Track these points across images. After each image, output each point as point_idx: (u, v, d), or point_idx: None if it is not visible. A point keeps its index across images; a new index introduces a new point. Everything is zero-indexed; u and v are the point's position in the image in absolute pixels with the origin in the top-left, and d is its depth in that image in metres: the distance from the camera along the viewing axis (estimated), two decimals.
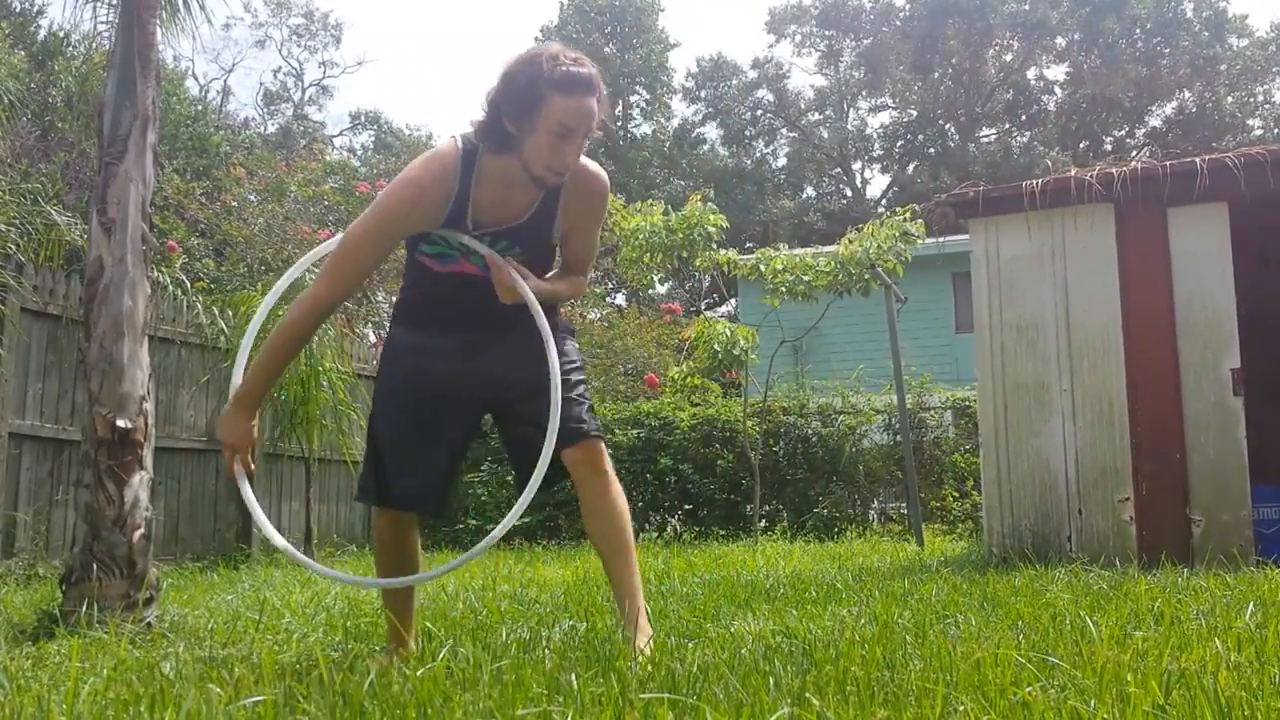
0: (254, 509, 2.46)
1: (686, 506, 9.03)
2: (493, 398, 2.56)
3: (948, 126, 30.18)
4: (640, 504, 8.90)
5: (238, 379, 2.49)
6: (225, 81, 32.86)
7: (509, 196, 2.41)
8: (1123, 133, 29.49)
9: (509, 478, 9.26)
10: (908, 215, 8.03)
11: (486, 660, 2.02)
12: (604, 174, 2.53)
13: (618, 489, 2.51)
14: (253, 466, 2.42)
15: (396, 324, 2.64)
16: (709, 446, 9.10)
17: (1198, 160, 5.13)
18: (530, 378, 2.45)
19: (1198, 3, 27.34)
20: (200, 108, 19.90)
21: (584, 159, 2.44)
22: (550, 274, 2.61)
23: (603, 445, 2.52)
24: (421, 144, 29.33)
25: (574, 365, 2.57)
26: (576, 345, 2.70)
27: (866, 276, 7.82)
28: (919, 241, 8.04)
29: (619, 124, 30.57)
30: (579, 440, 2.45)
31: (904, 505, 8.80)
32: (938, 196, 6.33)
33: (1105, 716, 1.58)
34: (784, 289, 8.03)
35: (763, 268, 8.23)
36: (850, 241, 8.02)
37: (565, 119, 2.25)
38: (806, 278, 7.98)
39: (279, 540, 2.44)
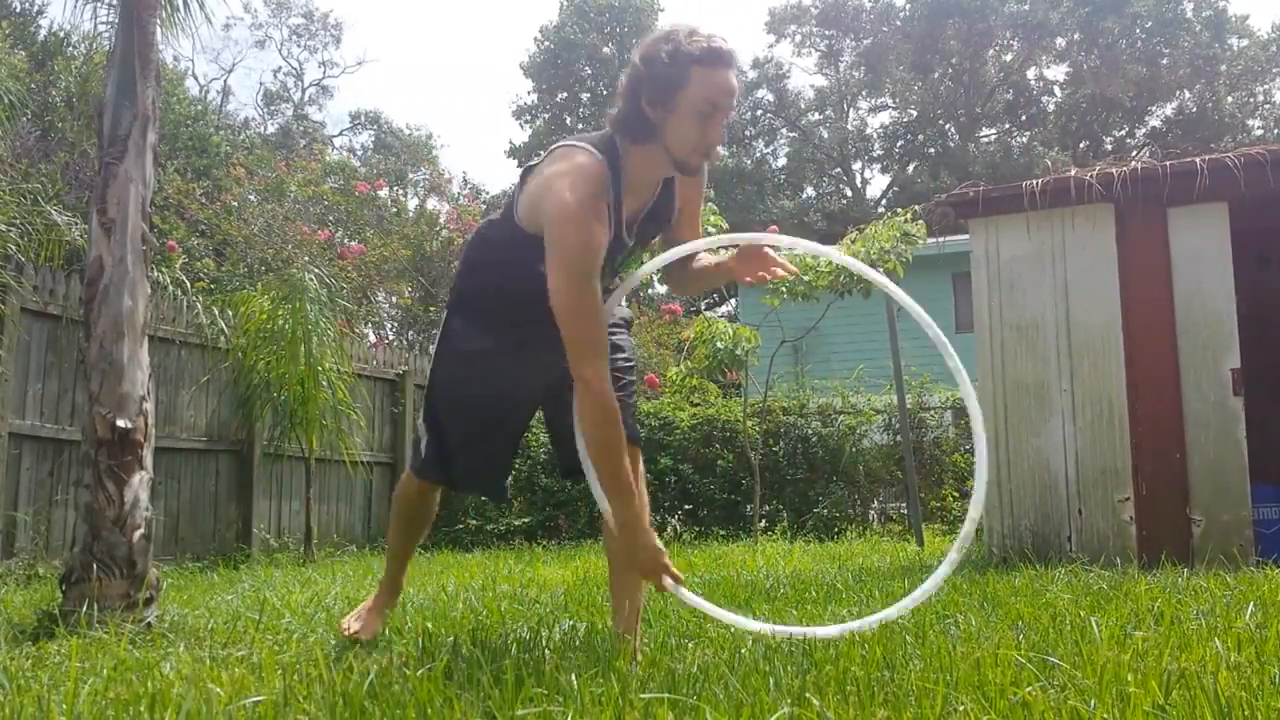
0: (704, 606, 2.38)
1: (686, 506, 9.03)
2: (550, 383, 2.51)
3: (948, 126, 30.18)
4: None
5: (605, 507, 2.29)
6: (225, 81, 32.95)
7: (646, 189, 2.34)
8: (1123, 133, 29.49)
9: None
10: (909, 216, 8.03)
11: (486, 660, 2.02)
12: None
13: (645, 496, 2.46)
14: (680, 576, 2.26)
15: (460, 316, 2.53)
16: (709, 446, 9.10)
17: (1198, 160, 5.13)
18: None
19: (1198, 3, 27.34)
20: (200, 108, 19.90)
21: None
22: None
23: (638, 451, 2.47)
24: (421, 144, 29.36)
25: (629, 364, 2.55)
26: (631, 340, 2.67)
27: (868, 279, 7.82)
28: (920, 242, 8.04)
29: None
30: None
31: (904, 505, 8.81)
32: (938, 196, 6.33)
33: (1105, 716, 1.58)
34: (784, 289, 8.03)
35: None
36: (852, 242, 8.02)
37: (711, 95, 2.15)
38: (807, 278, 7.98)
39: (751, 624, 2.40)
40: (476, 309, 2.52)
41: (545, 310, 2.33)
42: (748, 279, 2.44)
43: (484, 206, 14.07)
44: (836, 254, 2.53)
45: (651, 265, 2.53)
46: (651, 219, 2.41)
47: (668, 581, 2.23)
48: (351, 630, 2.83)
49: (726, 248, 2.54)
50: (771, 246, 2.44)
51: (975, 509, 2.31)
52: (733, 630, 2.56)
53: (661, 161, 2.26)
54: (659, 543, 2.25)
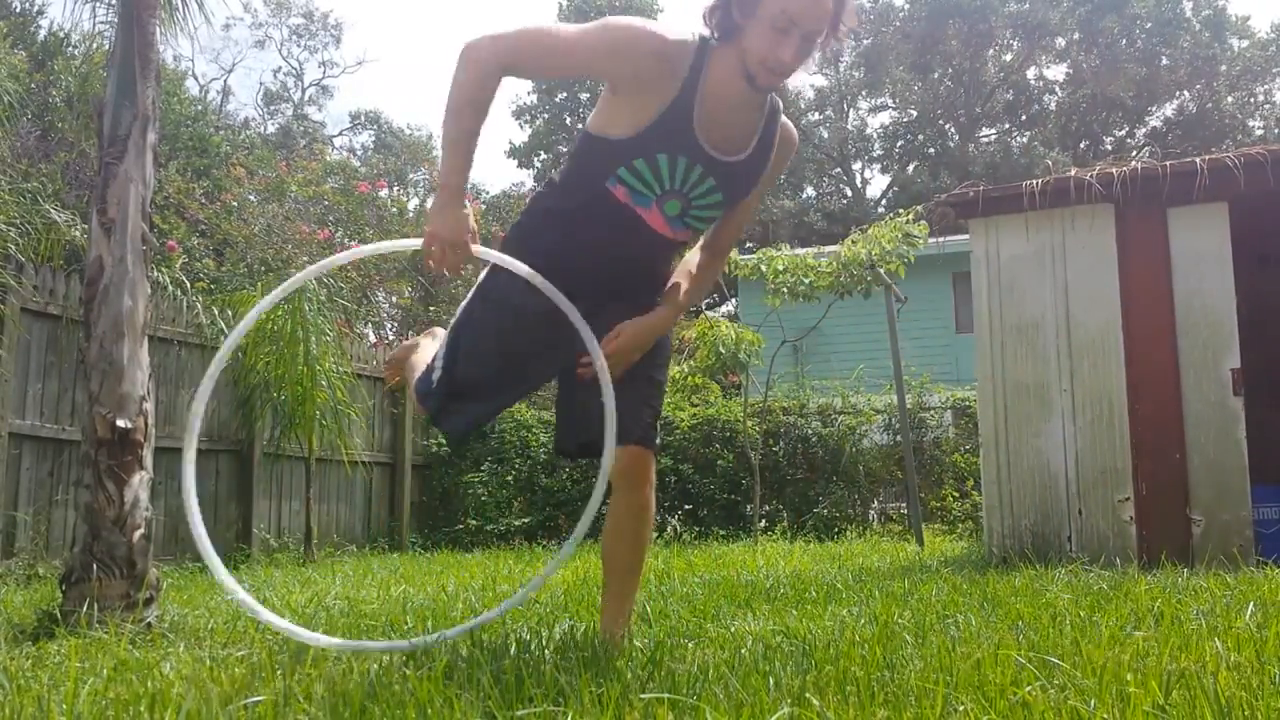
0: (504, 260, 2.26)
1: (686, 506, 9.03)
2: (570, 358, 2.42)
3: (948, 127, 30.18)
4: None
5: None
6: (225, 81, 32.92)
7: (734, 117, 2.23)
8: (1123, 133, 29.49)
9: (509, 478, 9.27)
10: (911, 217, 8.04)
11: (486, 660, 2.02)
12: (793, 130, 2.41)
13: (652, 507, 2.42)
14: (468, 261, 2.17)
15: (503, 271, 2.36)
16: (709, 446, 9.10)
17: (1198, 160, 5.13)
18: (635, 367, 2.39)
19: (1198, 3, 27.33)
20: (200, 108, 19.90)
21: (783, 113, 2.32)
22: (693, 262, 2.48)
23: (653, 458, 2.42)
24: (421, 144, 29.34)
25: (664, 364, 2.49)
26: (670, 340, 2.57)
27: (868, 278, 7.83)
28: (922, 243, 8.05)
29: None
30: (641, 444, 2.35)
31: (904, 505, 8.81)
32: (938, 196, 6.33)
33: (1105, 716, 1.58)
34: (785, 289, 8.04)
35: (764, 268, 8.23)
36: (854, 243, 8.03)
37: (793, 8, 2.05)
38: (808, 279, 7.98)
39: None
40: (549, 264, 2.35)
41: (620, 284, 2.36)
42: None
43: (484, 207, 14.04)
44: None
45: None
46: (747, 172, 2.30)
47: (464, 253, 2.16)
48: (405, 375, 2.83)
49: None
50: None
51: None
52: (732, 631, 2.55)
53: (738, 72, 2.16)
54: (470, 222, 2.17)
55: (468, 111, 2.15)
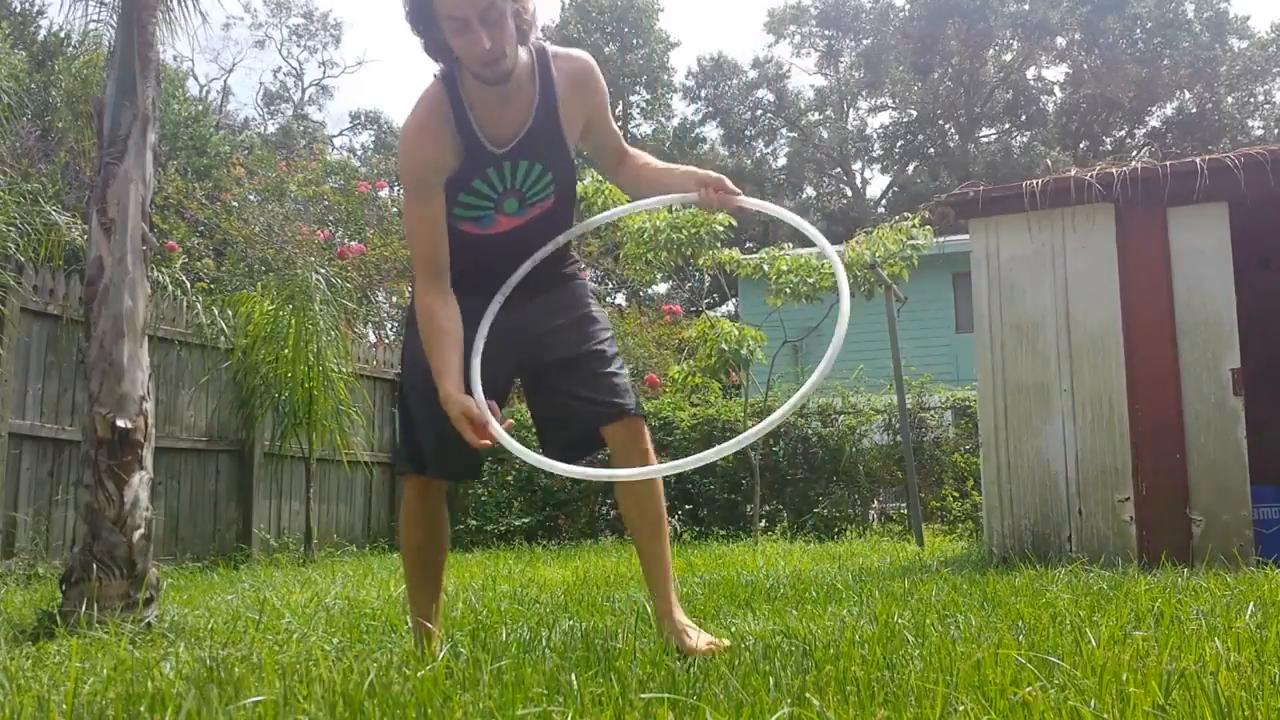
0: (515, 447, 2.29)
1: (686, 506, 9.03)
2: (523, 359, 2.50)
3: (948, 126, 30.18)
4: None
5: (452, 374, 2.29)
6: (225, 81, 32.88)
7: (506, 107, 2.33)
8: (1123, 133, 29.49)
9: (509, 478, 9.27)
10: (917, 221, 8.04)
11: (486, 660, 2.02)
12: (579, 53, 2.44)
13: (653, 461, 2.47)
14: (486, 416, 2.23)
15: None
16: (709, 446, 9.07)
17: (1198, 160, 5.13)
18: (565, 347, 2.45)
19: (1198, 3, 27.34)
20: (200, 108, 19.90)
21: (556, 47, 2.39)
22: (640, 165, 2.56)
23: (644, 422, 2.48)
24: None
25: (608, 335, 2.53)
26: (603, 310, 2.64)
27: (871, 279, 7.84)
28: (925, 248, 8.07)
29: (618, 119, 30.54)
30: (621, 417, 2.42)
31: (904, 505, 8.81)
32: (938, 196, 6.33)
33: (1105, 716, 1.58)
34: (788, 290, 8.04)
35: (766, 268, 8.24)
36: (858, 244, 8.03)
37: (450, 8, 2.14)
38: (811, 280, 7.99)
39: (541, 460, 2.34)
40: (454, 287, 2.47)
41: (528, 278, 2.44)
42: (708, 204, 2.42)
43: None
44: (817, 235, 2.41)
45: (614, 213, 2.71)
46: (546, 139, 2.38)
47: (494, 427, 2.22)
48: None
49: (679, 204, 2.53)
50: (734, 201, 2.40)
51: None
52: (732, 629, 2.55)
53: (471, 77, 2.28)
54: (470, 402, 2.23)
55: (438, 334, 2.31)
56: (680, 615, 2.45)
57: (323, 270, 8.27)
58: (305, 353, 7.36)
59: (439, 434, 2.37)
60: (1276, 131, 26.16)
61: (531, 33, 2.30)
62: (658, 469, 2.34)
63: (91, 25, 4.38)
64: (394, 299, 12.67)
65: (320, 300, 7.53)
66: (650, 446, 2.49)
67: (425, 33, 2.24)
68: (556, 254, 2.52)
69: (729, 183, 2.36)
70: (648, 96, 30.95)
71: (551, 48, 2.40)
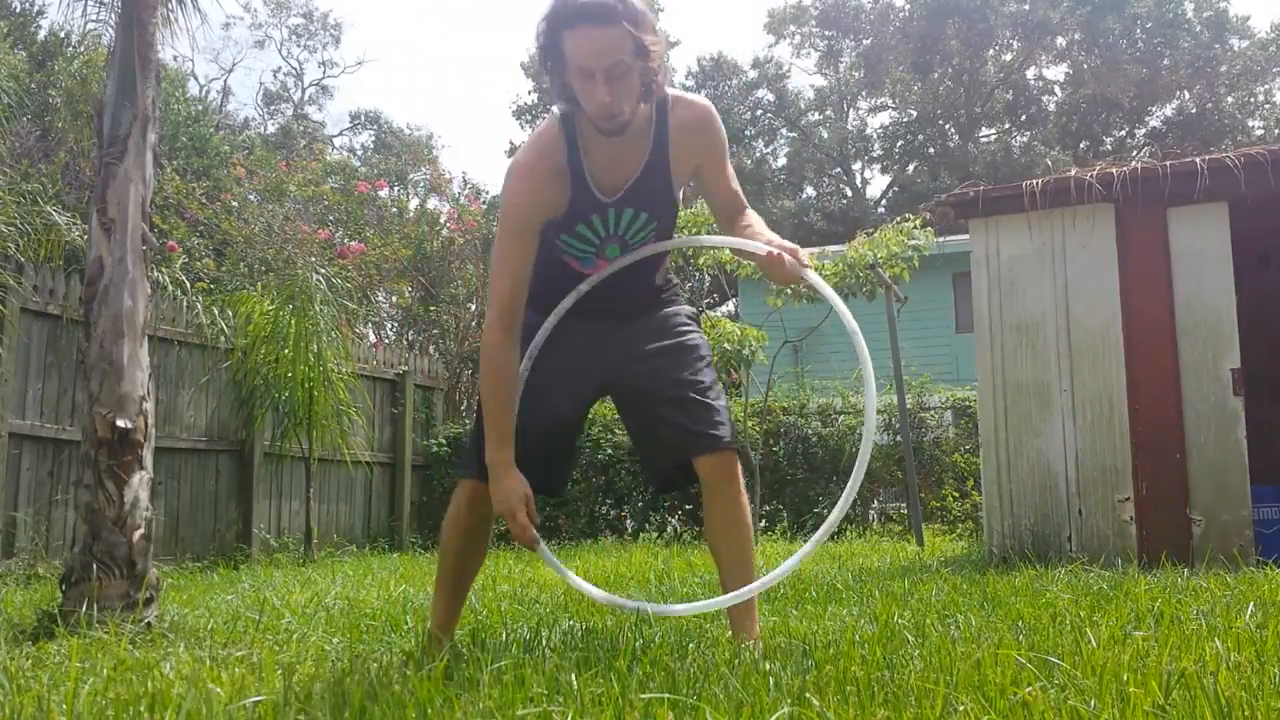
0: (557, 567, 2.39)
1: (686, 506, 9.03)
2: (610, 384, 2.49)
3: (948, 126, 30.18)
4: (640, 504, 8.90)
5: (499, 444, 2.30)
6: (225, 82, 32.86)
7: (619, 154, 2.32)
8: (1123, 133, 29.49)
9: None
10: (920, 223, 8.04)
11: (486, 660, 2.02)
12: (699, 102, 2.40)
13: (746, 500, 2.44)
14: (536, 520, 2.27)
15: (530, 308, 2.45)
16: None
17: (1198, 160, 5.13)
18: (661, 373, 2.42)
19: (1198, 3, 27.34)
20: (200, 108, 19.90)
21: (678, 93, 2.36)
22: (741, 226, 2.46)
23: (737, 456, 2.45)
24: (421, 144, 29.35)
25: (706, 363, 2.49)
26: (704, 336, 2.61)
27: (872, 280, 7.84)
28: (926, 250, 8.07)
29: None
30: (717, 449, 2.38)
31: (904, 505, 8.81)
32: (938, 196, 6.33)
33: (1105, 717, 1.58)
34: (789, 291, 8.04)
35: None
36: (860, 245, 8.03)
37: (578, 58, 2.14)
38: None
39: (596, 593, 2.42)
40: (542, 301, 2.46)
41: (624, 307, 2.46)
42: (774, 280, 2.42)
43: (484, 206, 14.05)
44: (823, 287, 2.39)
45: (680, 242, 2.71)
46: (652, 189, 2.37)
47: (530, 532, 2.25)
48: None
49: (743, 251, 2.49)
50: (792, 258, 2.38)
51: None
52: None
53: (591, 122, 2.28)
54: (524, 490, 2.25)
55: (501, 386, 2.33)
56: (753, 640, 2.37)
57: (323, 270, 8.26)
58: (305, 353, 7.35)
59: (525, 448, 2.36)
60: (1277, 131, 26.16)
61: (657, 89, 2.27)
62: (750, 589, 2.38)
63: (91, 25, 4.38)
64: (394, 299, 12.67)
65: (320, 300, 7.53)
66: (742, 483, 2.43)
67: (553, 72, 2.23)
68: (653, 278, 2.52)
69: (802, 254, 2.31)
70: None
71: (674, 94, 2.38)
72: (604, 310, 2.46)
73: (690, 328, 2.53)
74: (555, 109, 2.34)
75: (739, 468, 2.44)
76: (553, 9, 2.16)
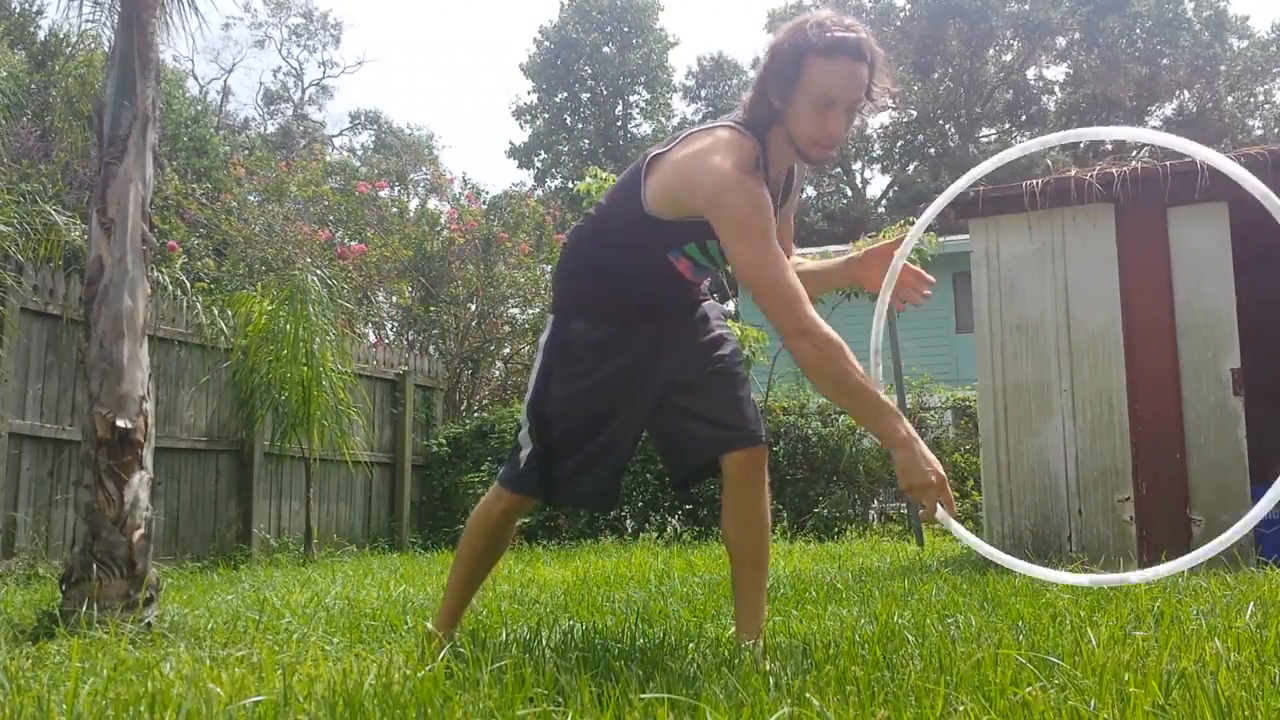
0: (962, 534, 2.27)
1: (686, 506, 9.02)
2: (663, 385, 2.44)
3: (948, 127, 30.19)
4: (640, 504, 8.90)
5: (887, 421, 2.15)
6: (225, 82, 32.91)
7: (776, 185, 2.33)
8: None
9: None
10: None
11: (486, 660, 2.02)
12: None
13: (768, 499, 2.43)
14: (952, 504, 2.10)
15: (580, 318, 2.42)
16: None
17: (1198, 160, 5.12)
18: (693, 368, 2.42)
19: (1198, 3, 27.34)
20: (200, 108, 19.90)
21: None
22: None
23: (766, 453, 2.43)
24: (422, 144, 29.35)
25: (738, 359, 2.49)
26: (734, 333, 2.60)
27: None
28: (929, 255, 8.08)
29: (617, 120, 30.56)
30: (750, 445, 2.37)
31: (904, 505, 8.80)
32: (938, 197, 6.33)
33: (1105, 716, 1.58)
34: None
35: None
36: (860, 246, 8.03)
37: (826, 86, 2.13)
38: None
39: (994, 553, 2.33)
40: (597, 307, 2.42)
41: (672, 298, 2.42)
42: (890, 297, 2.50)
43: (484, 206, 14.05)
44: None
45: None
46: (777, 208, 2.38)
47: (939, 511, 2.07)
48: None
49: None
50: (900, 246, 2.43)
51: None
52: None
53: (789, 152, 2.26)
54: (937, 466, 2.08)
55: (850, 380, 2.17)
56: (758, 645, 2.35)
57: (319, 271, 8.26)
58: (301, 353, 7.35)
59: (583, 465, 2.37)
60: (1277, 131, 26.15)
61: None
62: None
63: (88, 25, 4.37)
64: (394, 299, 12.67)
65: (315, 300, 7.52)
66: (766, 477, 2.41)
67: (777, 88, 2.18)
68: (691, 295, 2.50)
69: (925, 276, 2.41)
70: (647, 96, 30.96)
71: None
72: (660, 312, 2.44)
73: (724, 326, 2.54)
74: (729, 122, 2.26)
75: (766, 467, 2.44)
76: (805, 33, 2.15)
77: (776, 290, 2.12)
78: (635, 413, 2.44)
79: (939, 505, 2.06)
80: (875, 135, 31.18)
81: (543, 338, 2.48)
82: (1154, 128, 28.77)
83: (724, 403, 2.40)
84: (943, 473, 2.09)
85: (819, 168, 2.32)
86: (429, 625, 2.60)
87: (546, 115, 30.27)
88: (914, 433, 2.12)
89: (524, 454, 2.45)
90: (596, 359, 2.37)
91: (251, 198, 12.83)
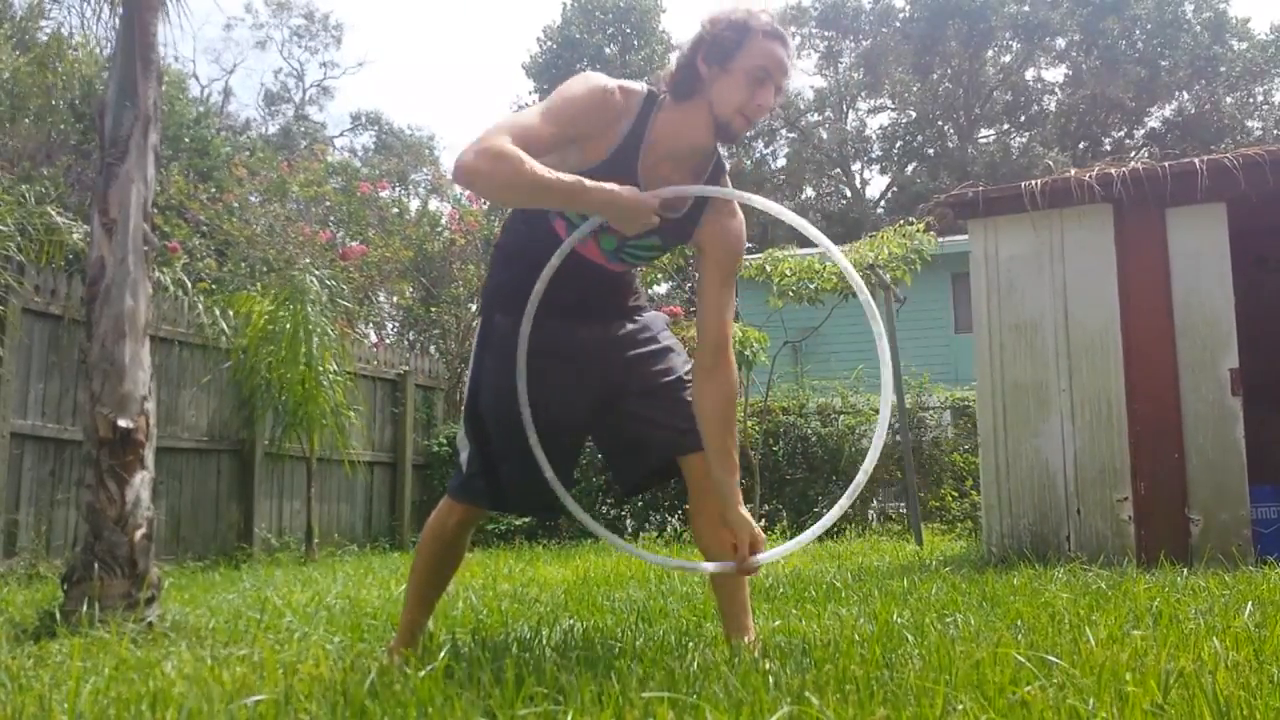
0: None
1: (686, 506, 9.03)
2: (605, 389, 2.42)
3: (947, 127, 30.19)
4: (640, 503, 8.91)
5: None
6: (226, 82, 32.86)
7: (673, 167, 2.31)
8: (1122, 133, 29.49)
9: None
10: (922, 228, 8.06)
11: (487, 659, 2.02)
12: (743, 225, 2.42)
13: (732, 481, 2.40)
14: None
15: (498, 310, 2.41)
16: None
17: (1197, 161, 5.14)
18: (644, 376, 2.41)
19: (1198, 4, 27.35)
20: (202, 109, 19.91)
21: (736, 191, 2.38)
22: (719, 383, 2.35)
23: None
24: (423, 144, 29.35)
25: (688, 365, 2.48)
26: (679, 341, 2.59)
27: (871, 280, 7.85)
28: (928, 256, 8.08)
29: None
30: (702, 448, 2.36)
31: (903, 505, 8.81)
32: (937, 197, 6.34)
33: (1104, 716, 1.59)
34: (791, 292, 8.05)
35: (769, 269, 8.24)
36: (860, 247, 8.04)
37: (766, 62, 2.23)
38: (813, 282, 8.00)
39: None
40: (511, 295, 2.37)
41: (592, 291, 2.39)
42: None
43: (485, 206, 14.05)
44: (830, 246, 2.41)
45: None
46: (679, 227, 2.36)
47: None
48: None
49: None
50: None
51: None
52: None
53: (701, 123, 2.27)
54: (629, 192, 2.14)
55: (530, 176, 2.09)
56: (752, 641, 2.36)
57: (316, 272, 8.25)
58: (298, 353, 7.35)
59: (524, 466, 2.32)
60: (1276, 132, 26.16)
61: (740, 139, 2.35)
62: (759, 558, 2.39)
63: (82, 22, 4.37)
64: (395, 299, 12.68)
65: (312, 301, 7.51)
66: (734, 452, 2.38)
67: (713, 55, 2.24)
68: (624, 288, 2.49)
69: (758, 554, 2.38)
70: None
71: (726, 173, 2.44)
72: (587, 312, 2.42)
73: (666, 332, 2.53)
74: (641, 85, 2.32)
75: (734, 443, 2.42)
76: (751, 14, 2.24)
77: (495, 131, 2.13)
78: (573, 414, 2.41)
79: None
80: (874, 136, 31.20)
81: (476, 336, 2.49)
82: (1153, 128, 28.80)
83: (679, 407, 2.39)
84: (640, 193, 2.15)
85: (729, 142, 2.33)
86: (388, 646, 2.54)
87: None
88: (610, 186, 2.13)
89: (464, 455, 2.46)
90: (515, 348, 2.33)
91: (253, 198, 12.83)
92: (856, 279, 2.43)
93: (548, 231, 2.34)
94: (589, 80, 2.25)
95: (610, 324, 2.45)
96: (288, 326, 7.35)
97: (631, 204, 2.14)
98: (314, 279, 7.79)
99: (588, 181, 2.12)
